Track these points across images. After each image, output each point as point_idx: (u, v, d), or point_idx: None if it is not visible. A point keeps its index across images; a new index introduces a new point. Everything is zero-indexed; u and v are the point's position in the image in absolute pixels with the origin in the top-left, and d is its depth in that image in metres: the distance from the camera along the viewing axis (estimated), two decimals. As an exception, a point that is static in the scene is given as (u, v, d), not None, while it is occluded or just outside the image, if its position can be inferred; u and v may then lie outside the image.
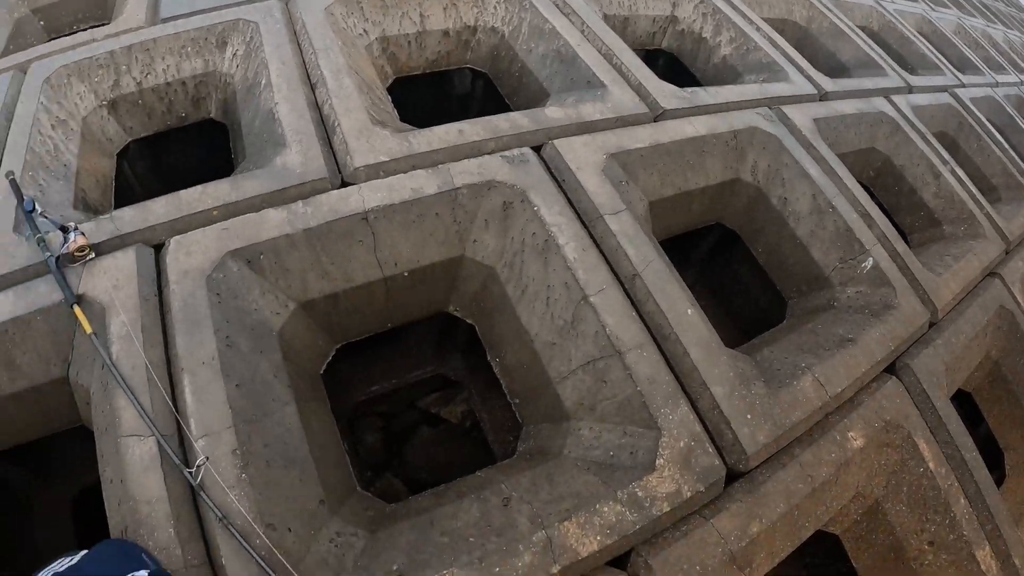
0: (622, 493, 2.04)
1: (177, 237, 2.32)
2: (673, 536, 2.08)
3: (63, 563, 1.87)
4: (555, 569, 1.86)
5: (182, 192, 2.48)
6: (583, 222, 2.70)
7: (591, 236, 2.67)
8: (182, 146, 3.76)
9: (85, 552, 1.90)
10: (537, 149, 2.95)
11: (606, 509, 1.99)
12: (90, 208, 2.80)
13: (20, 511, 3.73)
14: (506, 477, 2.20)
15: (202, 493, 1.86)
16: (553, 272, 2.52)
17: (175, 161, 3.78)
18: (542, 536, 1.89)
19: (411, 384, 3.45)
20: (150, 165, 3.72)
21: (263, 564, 1.78)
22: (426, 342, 3.46)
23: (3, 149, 2.81)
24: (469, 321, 2.77)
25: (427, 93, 4.24)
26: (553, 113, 3.12)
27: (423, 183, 2.54)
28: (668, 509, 2.05)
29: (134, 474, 1.96)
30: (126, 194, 3.26)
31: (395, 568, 1.86)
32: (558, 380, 2.42)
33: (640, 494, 2.06)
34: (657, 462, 2.13)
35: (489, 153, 2.82)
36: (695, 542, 2.07)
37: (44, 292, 2.31)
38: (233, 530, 1.82)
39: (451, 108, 4.47)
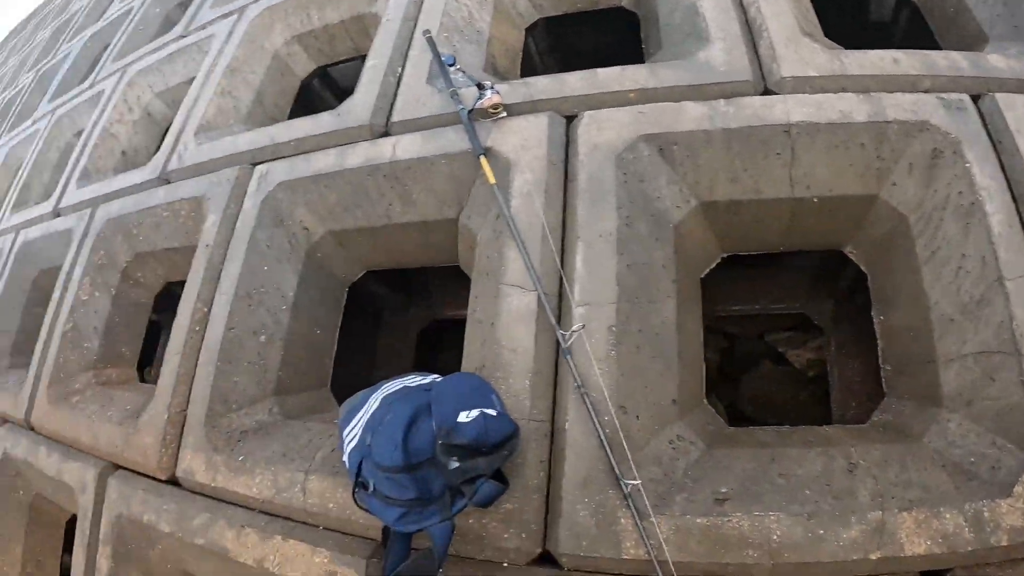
0: (969, 507, 1.71)
1: (591, 112, 2.36)
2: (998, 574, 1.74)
3: (415, 379, 2.08)
4: (875, 555, 1.68)
5: (599, 70, 2.51)
6: (1013, 194, 2.26)
7: (1019, 213, 2.24)
8: (583, 29, 3.81)
9: (438, 376, 2.09)
10: (974, 99, 2.51)
11: (947, 516, 1.71)
12: (498, 74, 2.99)
13: (374, 323, 4.32)
14: (856, 442, 1.99)
15: (569, 358, 1.93)
16: (972, 241, 2.13)
17: (576, 43, 3.88)
18: (877, 517, 1.70)
19: (770, 314, 3.30)
20: (551, 44, 3.85)
21: (604, 440, 1.82)
22: (801, 277, 3.24)
23: (419, 10, 3.04)
24: (862, 267, 2.53)
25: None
26: (997, 62, 2.61)
27: (852, 108, 2.27)
28: (1006, 543, 1.69)
29: (506, 321, 2.10)
30: (527, 67, 3.41)
31: (724, 490, 1.81)
32: (944, 361, 2.10)
33: (986, 515, 1.71)
34: (1016, 489, 1.77)
35: (924, 91, 2.44)
36: (1018, 589, 1.70)
37: (451, 140, 2.52)
38: (588, 400, 1.87)
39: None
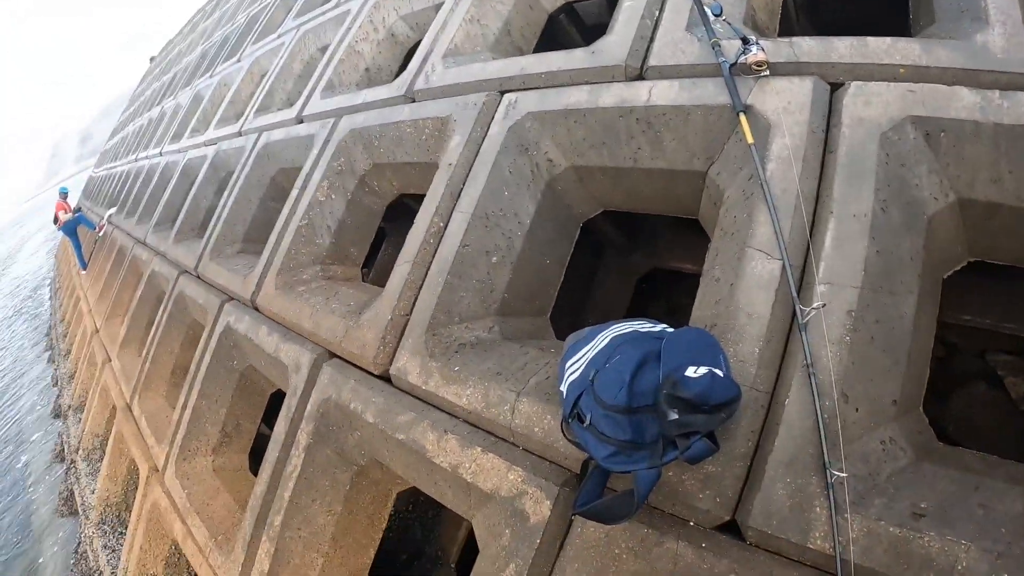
0: None
1: (858, 82, 2.23)
2: None
3: (646, 325, 2.08)
4: None
5: (870, 39, 2.34)
6: None
7: None
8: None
9: (668, 327, 2.10)
10: None
11: None
12: (757, 28, 2.85)
13: (596, 261, 4.42)
14: None
15: (803, 334, 1.88)
16: None
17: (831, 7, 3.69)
18: None
19: (999, 333, 3.08)
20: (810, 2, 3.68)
21: (821, 424, 1.78)
22: None
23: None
24: None
25: None
26: None
27: None
28: None
29: (746, 284, 2.07)
30: (783, 26, 3.27)
31: (923, 506, 1.72)
32: None
33: None
34: None
35: None
36: None
37: (710, 92, 2.48)
38: (813, 381, 1.83)
39: None
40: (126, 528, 5.80)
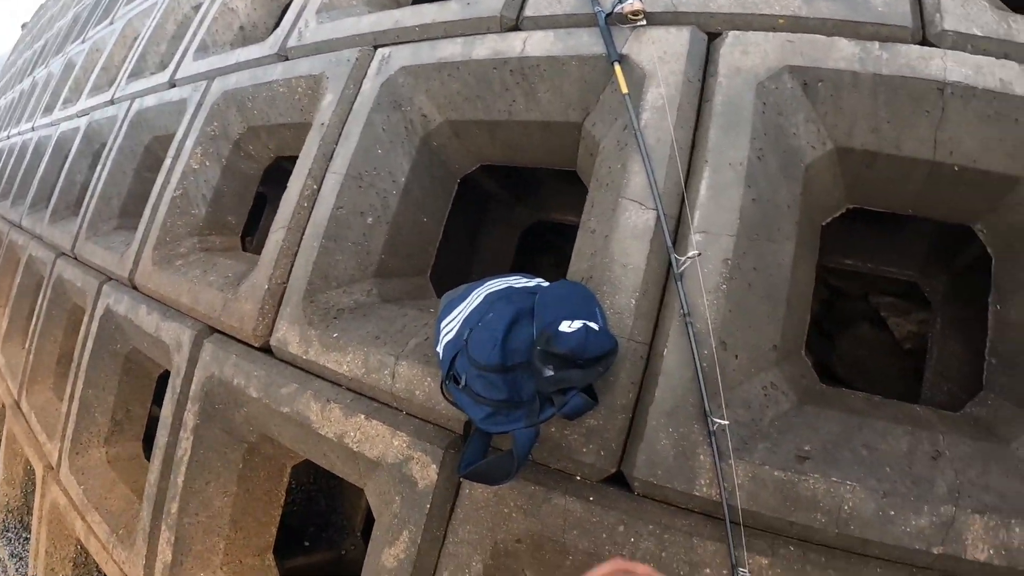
0: None
1: (735, 32, 2.24)
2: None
3: (520, 281, 2.06)
4: (937, 550, 1.65)
5: None
6: None
7: None
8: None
9: (544, 281, 2.07)
10: None
11: (1017, 531, 1.66)
12: None
13: (478, 217, 4.35)
14: (945, 430, 1.94)
15: (679, 284, 1.90)
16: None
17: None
18: (949, 512, 1.66)
19: (880, 276, 3.17)
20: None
21: (700, 373, 1.81)
22: (920, 244, 3.10)
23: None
24: (989, 250, 2.39)
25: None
26: None
27: (1013, 78, 2.10)
28: None
29: (620, 235, 2.07)
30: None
31: (807, 448, 1.79)
32: None
33: None
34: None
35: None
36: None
37: (585, 42, 2.44)
38: (691, 330, 1.85)
39: None
40: (30, 533, 5.51)
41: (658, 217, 2.00)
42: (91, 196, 5.14)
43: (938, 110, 2.10)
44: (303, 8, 3.78)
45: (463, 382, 1.81)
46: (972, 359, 2.53)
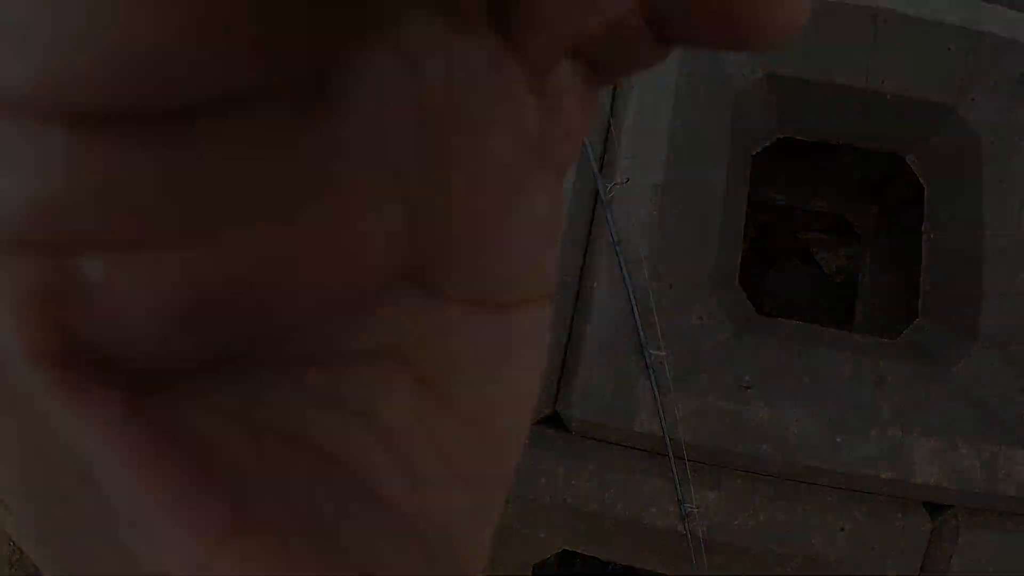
0: (985, 448, 1.73)
1: None
2: (1002, 524, 1.76)
3: None
4: (885, 475, 1.68)
5: None
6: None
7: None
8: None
9: None
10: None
11: (963, 453, 1.71)
12: None
13: None
14: (885, 357, 1.96)
15: (608, 212, 1.84)
16: (1045, 174, 2.10)
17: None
18: (896, 436, 1.70)
19: (808, 211, 3.18)
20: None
21: (634, 304, 1.77)
22: (849, 177, 3.13)
23: None
24: (921, 179, 2.44)
25: None
26: None
27: (947, 8, 2.17)
28: (1014, 494, 1.70)
29: (545, 164, 1.96)
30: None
31: (748, 378, 1.77)
32: (988, 295, 2.04)
33: (1000, 461, 1.71)
34: (1036, 441, 1.73)
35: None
36: (1013, 543, 1.74)
37: None
38: (621, 258, 1.80)
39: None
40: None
41: (583, 143, 1.90)
42: None
43: (871, 38, 2.13)
44: None
45: None
46: (901, 290, 2.60)
